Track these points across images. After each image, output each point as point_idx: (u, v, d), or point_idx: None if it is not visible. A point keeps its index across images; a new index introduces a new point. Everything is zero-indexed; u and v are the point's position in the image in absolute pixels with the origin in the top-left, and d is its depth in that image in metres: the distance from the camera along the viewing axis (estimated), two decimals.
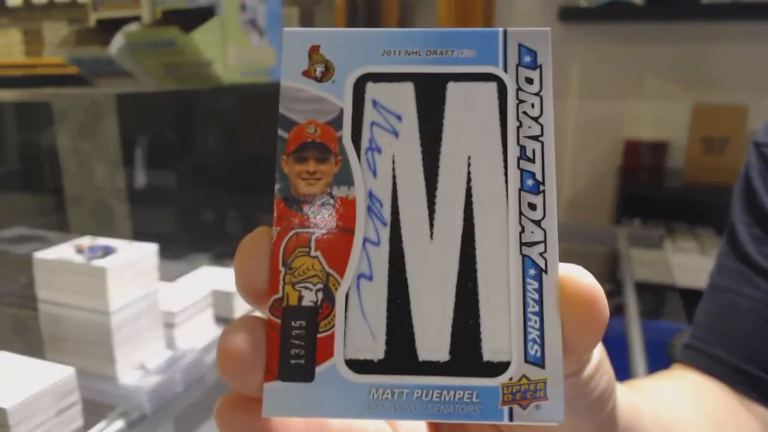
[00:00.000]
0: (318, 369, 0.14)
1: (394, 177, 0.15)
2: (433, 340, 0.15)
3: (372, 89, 0.15)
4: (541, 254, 0.15)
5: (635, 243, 1.18)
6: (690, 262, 1.64)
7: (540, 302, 0.15)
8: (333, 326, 0.15)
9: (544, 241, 0.15)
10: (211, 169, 0.84)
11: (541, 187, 0.15)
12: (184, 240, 0.79)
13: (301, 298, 0.15)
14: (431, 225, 0.15)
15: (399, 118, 0.15)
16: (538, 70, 0.16)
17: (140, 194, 0.69)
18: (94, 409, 0.53)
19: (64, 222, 0.71)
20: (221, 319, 0.71)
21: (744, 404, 0.36)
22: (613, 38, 1.97)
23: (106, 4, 0.84)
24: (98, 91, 0.69)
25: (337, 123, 0.15)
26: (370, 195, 0.15)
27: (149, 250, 0.58)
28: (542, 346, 0.15)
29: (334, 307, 0.15)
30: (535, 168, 0.15)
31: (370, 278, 0.15)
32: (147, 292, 0.58)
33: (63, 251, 0.56)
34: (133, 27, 0.81)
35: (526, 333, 0.15)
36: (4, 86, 0.87)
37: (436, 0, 2.27)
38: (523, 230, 0.15)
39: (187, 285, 0.71)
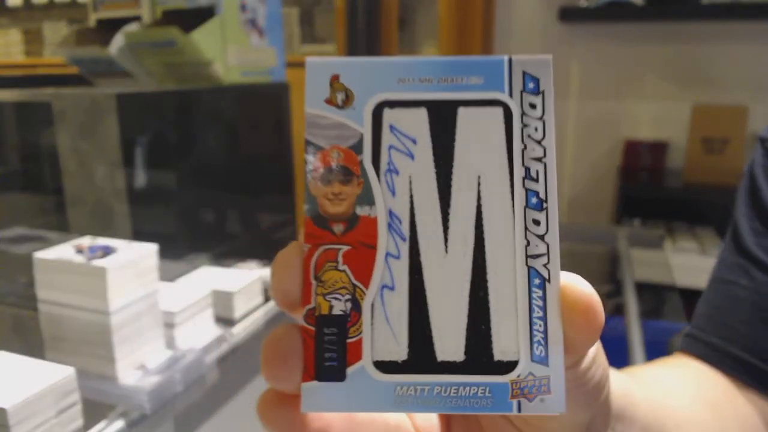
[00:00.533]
0: (349, 370, 0.16)
1: (411, 196, 0.17)
2: (449, 342, 0.17)
3: (389, 115, 0.17)
4: (544, 265, 0.17)
5: (635, 243, 1.18)
6: (690, 262, 1.64)
7: (544, 308, 0.16)
8: (361, 332, 0.17)
9: (547, 254, 0.17)
10: (211, 169, 0.84)
11: (544, 205, 0.17)
12: (183, 240, 0.79)
13: (331, 307, 0.16)
14: (446, 239, 0.17)
15: (414, 141, 0.17)
16: (541, 95, 0.17)
17: (140, 194, 0.69)
18: (94, 409, 0.53)
19: (64, 222, 0.71)
20: (221, 319, 0.71)
21: (740, 390, 0.38)
22: (613, 38, 1.97)
23: (106, 4, 0.84)
24: (98, 91, 0.69)
25: (358, 147, 0.17)
26: (390, 213, 0.17)
27: (149, 250, 0.58)
28: (546, 347, 0.16)
29: (361, 315, 0.17)
30: (539, 187, 0.17)
31: (393, 289, 0.17)
32: (147, 292, 0.58)
33: (63, 251, 0.56)
34: (133, 27, 0.81)
35: (532, 335, 0.16)
36: (5, 86, 0.87)
37: (436, 0, 2.27)
38: (528, 244, 0.17)
39: (186, 285, 0.71)
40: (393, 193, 0.17)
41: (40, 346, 0.59)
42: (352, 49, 1.39)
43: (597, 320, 0.16)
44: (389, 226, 0.17)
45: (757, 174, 0.42)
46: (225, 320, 0.72)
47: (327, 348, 0.16)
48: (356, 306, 0.16)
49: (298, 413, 0.17)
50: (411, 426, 0.21)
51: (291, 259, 0.17)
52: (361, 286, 0.17)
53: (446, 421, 0.22)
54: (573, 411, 0.19)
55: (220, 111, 0.85)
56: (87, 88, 0.84)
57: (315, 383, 0.16)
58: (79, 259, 0.55)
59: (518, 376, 0.16)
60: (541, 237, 0.17)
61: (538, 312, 0.16)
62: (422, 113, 0.17)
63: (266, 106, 0.96)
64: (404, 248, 0.17)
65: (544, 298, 0.16)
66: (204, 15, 0.80)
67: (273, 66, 0.93)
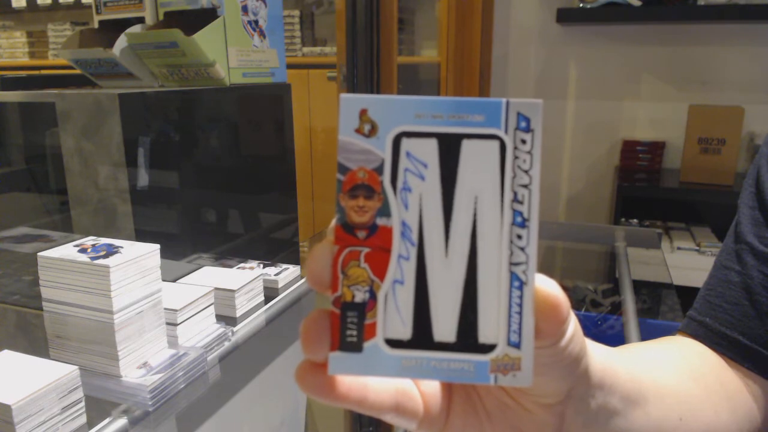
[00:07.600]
0: (365, 344, 0.21)
1: (420, 210, 0.21)
2: (444, 327, 0.21)
3: (406, 144, 0.20)
4: (523, 271, 0.20)
5: (633, 242, 1.19)
6: (687, 261, 1.65)
7: (521, 305, 0.20)
8: (376, 316, 0.21)
9: (527, 262, 0.20)
10: (213, 170, 0.84)
11: (527, 223, 0.20)
12: (186, 240, 0.80)
13: (354, 296, 0.21)
14: (446, 246, 0.21)
15: (425, 166, 0.20)
16: (531, 133, 0.20)
17: (143, 194, 0.69)
18: (98, 407, 0.54)
19: (68, 222, 0.71)
20: (223, 318, 0.72)
21: (730, 367, 0.40)
22: (611, 39, 1.98)
23: (109, 6, 0.84)
24: (101, 92, 0.70)
25: (380, 169, 0.20)
26: (403, 224, 0.20)
27: (152, 249, 0.58)
28: (520, 334, 0.20)
29: (376, 303, 0.21)
30: (524, 209, 0.20)
31: (402, 283, 0.21)
32: (150, 291, 0.58)
33: (67, 250, 0.57)
34: (136, 29, 0.81)
35: (509, 325, 0.20)
36: (10, 87, 0.87)
37: (435, 4, 2.28)
38: (512, 253, 0.20)
39: (189, 284, 0.71)
40: (406, 207, 0.20)
41: (44, 345, 0.59)
42: (353, 51, 1.40)
43: (562, 314, 0.21)
44: (402, 234, 0.20)
45: (761, 164, 0.44)
46: (227, 318, 0.73)
47: (349, 327, 0.21)
48: (373, 296, 0.21)
49: (327, 378, 0.22)
50: (418, 392, 0.25)
51: (323, 254, 0.21)
52: (378, 281, 0.21)
53: (448, 388, 0.27)
54: (555, 379, 0.24)
55: (222, 111, 0.86)
56: (90, 88, 0.84)
57: (339, 353, 0.21)
58: (83, 258, 0.55)
59: (496, 356, 0.20)
60: (522, 249, 0.20)
61: (516, 307, 0.20)
62: (433, 143, 0.20)
63: (268, 107, 0.97)
64: (413, 252, 0.21)
65: (521, 297, 0.20)
66: (206, 17, 0.81)
67: (274, 67, 0.94)
